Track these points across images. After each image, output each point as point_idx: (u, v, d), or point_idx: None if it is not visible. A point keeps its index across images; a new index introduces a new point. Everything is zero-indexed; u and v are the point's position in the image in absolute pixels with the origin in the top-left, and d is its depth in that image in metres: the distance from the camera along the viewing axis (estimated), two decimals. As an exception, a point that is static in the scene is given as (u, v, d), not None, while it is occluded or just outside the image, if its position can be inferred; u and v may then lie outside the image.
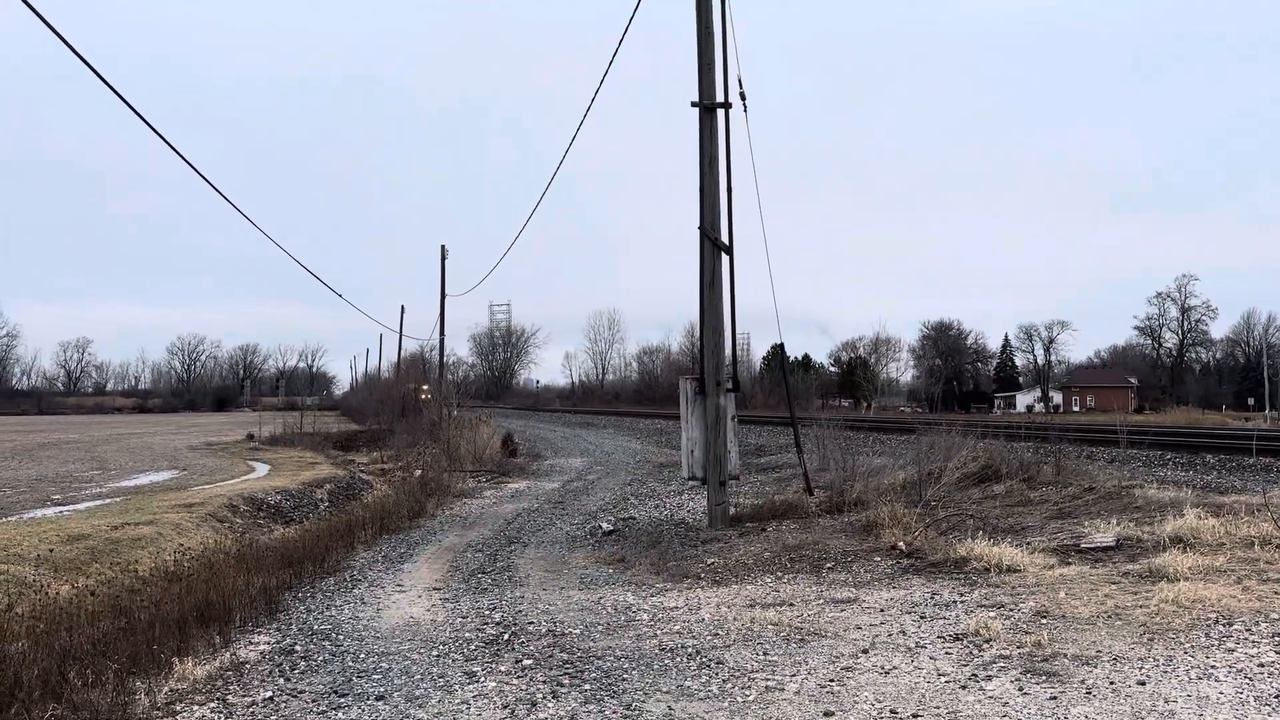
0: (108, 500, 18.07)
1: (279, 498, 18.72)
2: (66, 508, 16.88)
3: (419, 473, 23.81)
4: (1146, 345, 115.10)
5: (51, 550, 11.59)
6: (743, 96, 13.41)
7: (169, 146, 11.57)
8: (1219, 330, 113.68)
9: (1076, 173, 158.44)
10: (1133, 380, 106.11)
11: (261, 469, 26.71)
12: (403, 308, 66.25)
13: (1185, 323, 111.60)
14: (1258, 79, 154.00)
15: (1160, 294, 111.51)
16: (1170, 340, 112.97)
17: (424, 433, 34.10)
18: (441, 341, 42.49)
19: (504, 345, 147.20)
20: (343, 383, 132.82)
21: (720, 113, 13.22)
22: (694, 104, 13.25)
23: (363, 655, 7.11)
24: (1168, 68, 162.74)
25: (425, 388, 43.45)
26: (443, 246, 40.79)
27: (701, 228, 13.18)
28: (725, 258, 13.22)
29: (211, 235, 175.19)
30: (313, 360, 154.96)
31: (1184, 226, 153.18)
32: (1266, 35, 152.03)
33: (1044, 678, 5.70)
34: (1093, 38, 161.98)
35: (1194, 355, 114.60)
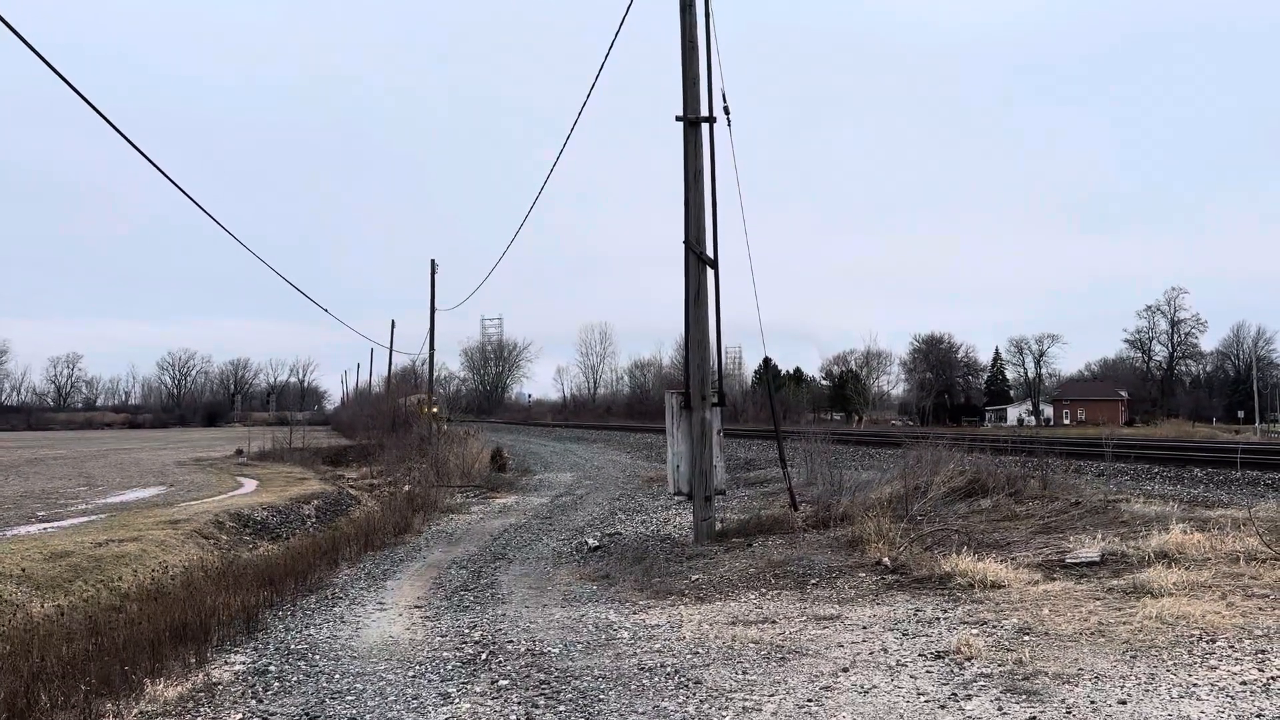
0: (93, 517, 17.92)
1: (266, 514, 18.60)
2: (51, 524, 16.74)
3: (407, 488, 23.69)
4: (1137, 358, 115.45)
5: (24, 569, 11.47)
6: (726, 110, 13.41)
7: (158, 170, 11.54)
8: (1209, 343, 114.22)
9: (1066, 186, 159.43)
10: (1123, 393, 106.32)
11: (249, 485, 26.54)
12: (393, 322, 66.09)
13: (1175, 336, 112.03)
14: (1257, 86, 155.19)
15: (1150, 307, 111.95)
16: (1160, 353, 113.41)
17: (413, 448, 33.97)
18: (431, 356, 42.45)
19: (495, 359, 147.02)
20: (334, 397, 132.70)
21: (704, 127, 13.21)
22: (678, 118, 13.24)
23: (338, 676, 7.02)
24: (1153, 74, 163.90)
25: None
26: (432, 261, 41.02)
27: (686, 242, 13.15)
28: (710, 271, 13.19)
29: (202, 250, 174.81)
30: (304, 375, 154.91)
31: (1173, 240, 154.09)
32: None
33: (1024, 697, 5.64)
34: (1073, 44, 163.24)
35: (1184, 368, 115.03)
